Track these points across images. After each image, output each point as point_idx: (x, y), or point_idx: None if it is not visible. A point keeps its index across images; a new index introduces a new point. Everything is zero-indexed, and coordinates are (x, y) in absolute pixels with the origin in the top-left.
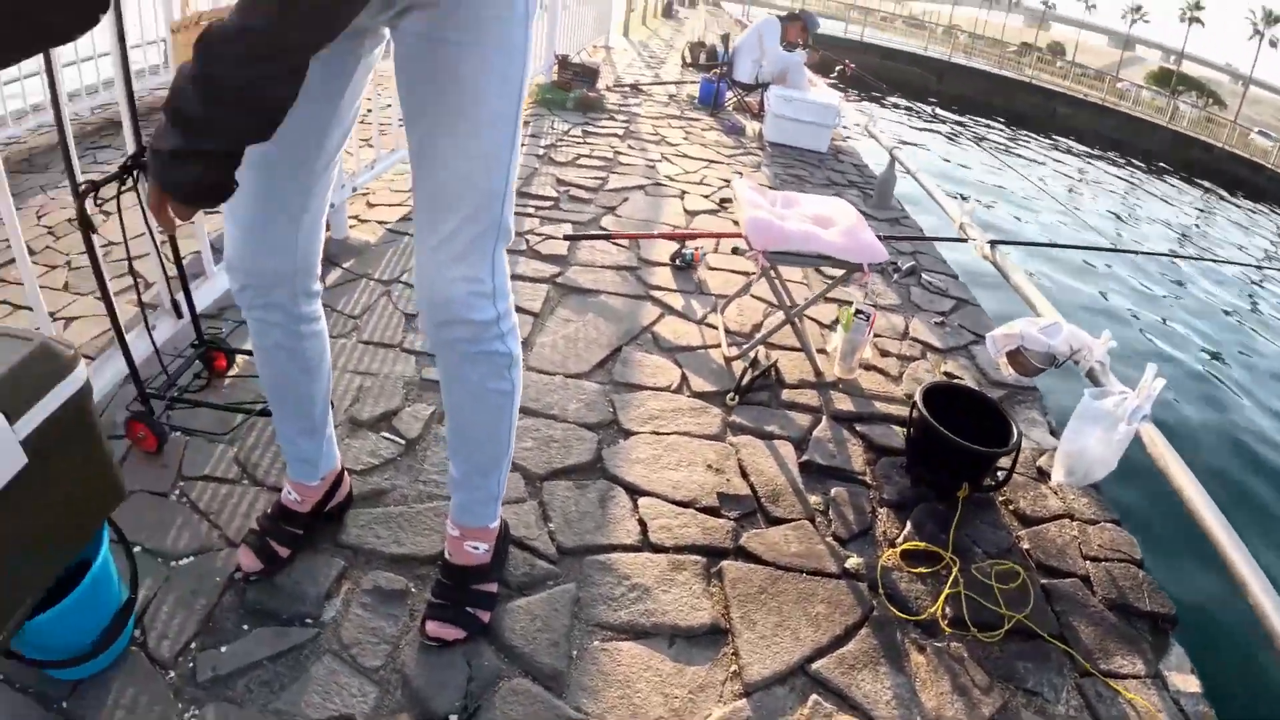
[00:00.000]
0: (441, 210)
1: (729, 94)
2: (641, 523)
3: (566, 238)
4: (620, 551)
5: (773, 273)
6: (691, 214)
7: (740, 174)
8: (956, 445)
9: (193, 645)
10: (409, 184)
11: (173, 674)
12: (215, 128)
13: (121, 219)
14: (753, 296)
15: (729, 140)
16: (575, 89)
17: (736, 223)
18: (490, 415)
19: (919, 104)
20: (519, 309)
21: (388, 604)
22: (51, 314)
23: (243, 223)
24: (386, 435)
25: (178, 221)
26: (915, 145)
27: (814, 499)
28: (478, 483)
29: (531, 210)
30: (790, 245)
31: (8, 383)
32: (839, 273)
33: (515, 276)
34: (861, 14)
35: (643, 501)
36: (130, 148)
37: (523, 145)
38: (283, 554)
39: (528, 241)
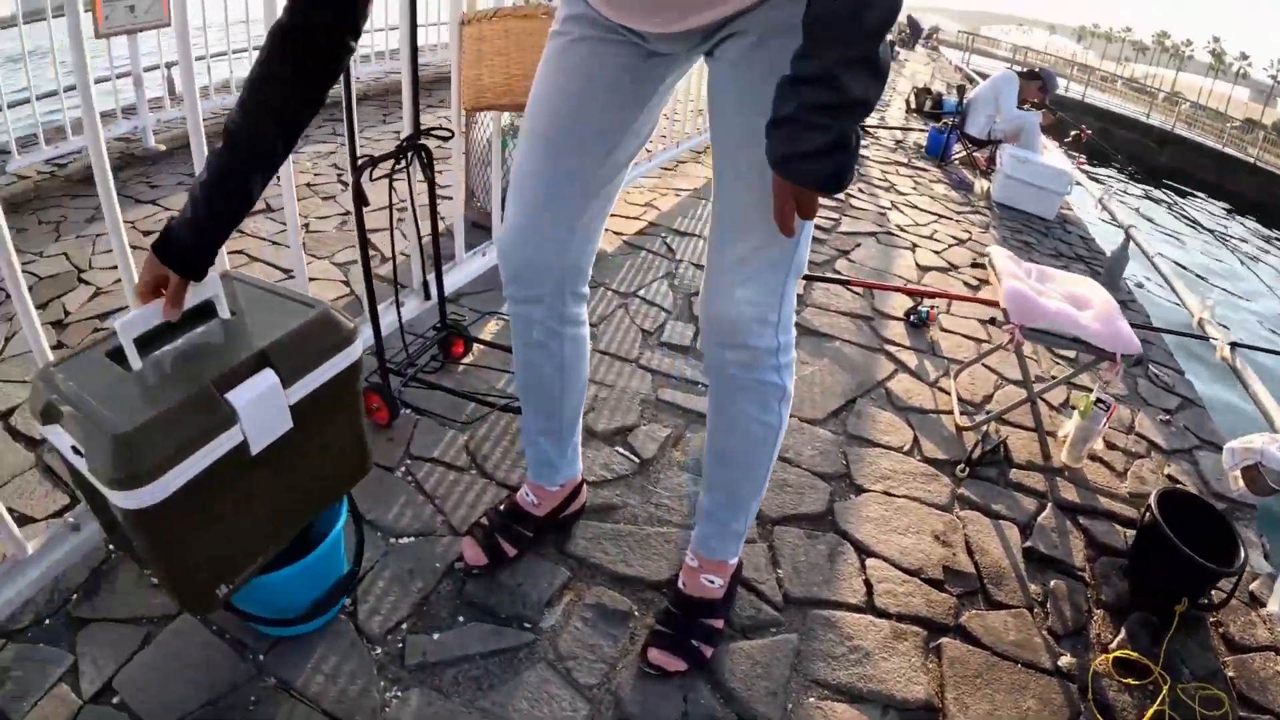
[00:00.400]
0: (739, 233)
1: (956, 146)
2: (868, 584)
3: (805, 278)
4: (845, 610)
5: (1023, 348)
6: (923, 269)
7: (969, 233)
8: (1185, 558)
9: (404, 626)
10: (645, 199)
11: (379, 651)
12: (855, 107)
13: (391, 196)
14: (984, 365)
15: (956, 195)
16: None
17: (969, 284)
18: (751, 447)
19: (1139, 176)
20: None
21: (609, 623)
22: (288, 273)
23: (522, 215)
24: (621, 451)
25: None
26: (1136, 224)
27: (1034, 588)
28: (726, 517)
29: None
30: (1046, 323)
31: (287, 347)
32: (1072, 353)
33: None
34: (1083, 72)
35: (870, 562)
36: (408, 129)
37: None
38: (509, 553)
39: None
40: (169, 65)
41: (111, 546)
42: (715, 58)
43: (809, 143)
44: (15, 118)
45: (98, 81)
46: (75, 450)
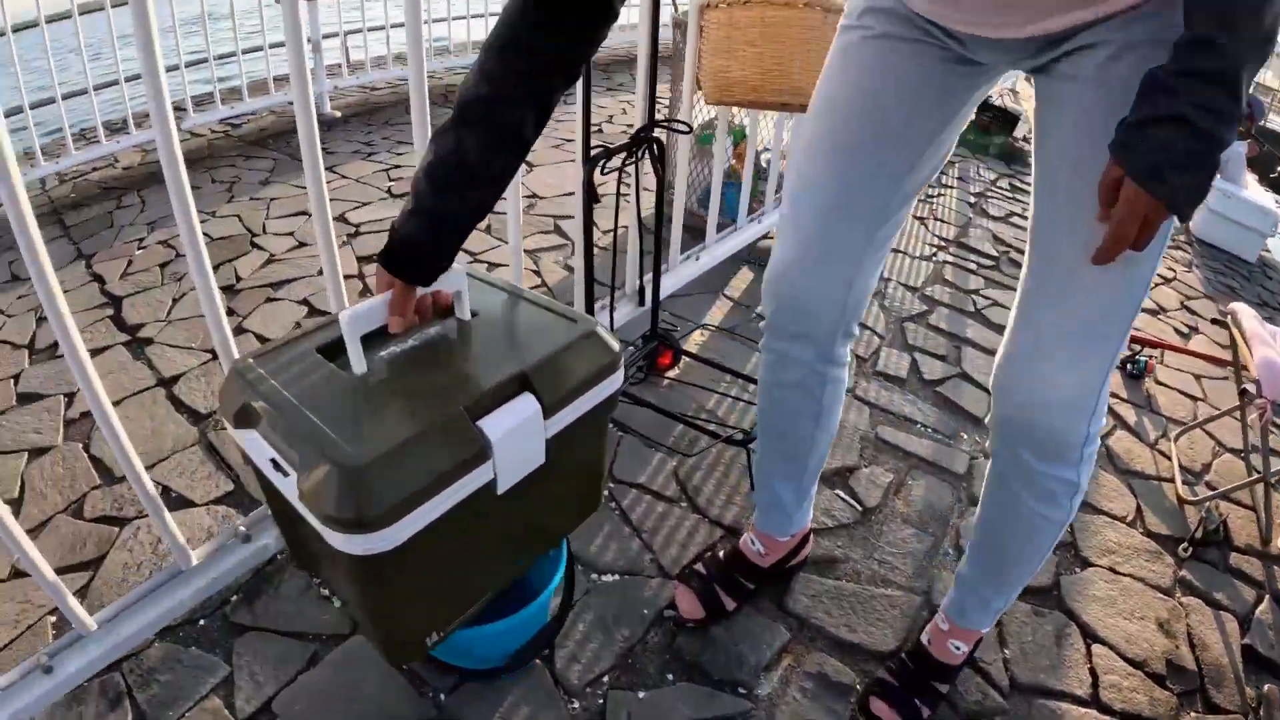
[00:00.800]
0: (1067, 297)
1: None
2: (1093, 673)
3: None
4: (1069, 702)
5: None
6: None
7: (1173, 271)
8: None
9: (605, 679)
10: None
11: (577, 705)
12: (1237, 119)
13: (619, 194)
14: (1201, 429)
15: None
16: (995, 132)
17: (1179, 331)
18: (1030, 538)
19: None
20: (969, 378)
21: (830, 695)
22: (473, 255)
23: (803, 242)
24: (842, 495)
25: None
26: None
27: (1249, 691)
28: (987, 593)
29: (974, 266)
30: None
31: (549, 370)
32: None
33: (965, 341)
34: (1263, 94)
35: (1096, 649)
36: (641, 119)
37: (952, 189)
38: (729, 606)
39: (974, 303)
40: (347, 33)
41: (285, 557)
42: (1050, 74)
43: (1189, 151)
44: (192, 78)
45: (274, 46)
46: (276, 466)
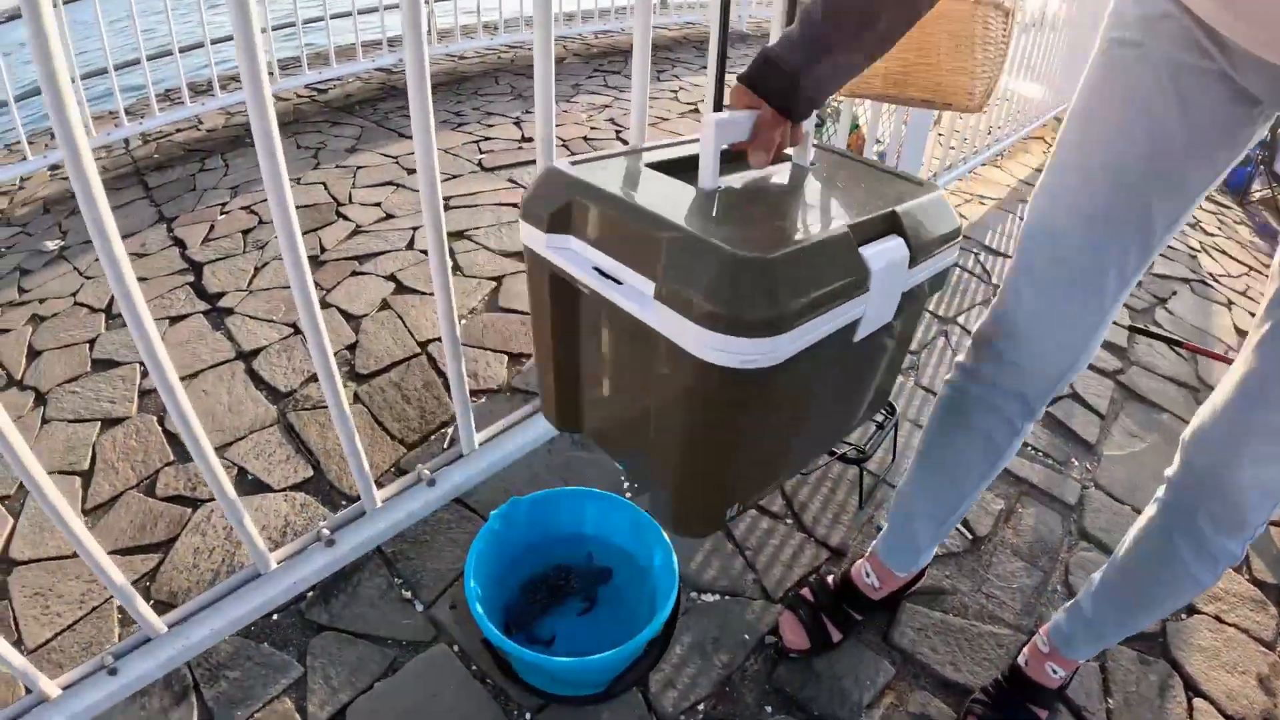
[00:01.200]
0: None
1: (1257, 184)
2: None
3: (1130, 329)
4: None
5: None
6: (1241, 334)
7: None
8: None
9: (701, 707)
10: (952, 203)
11: None
12: None
13: None
14: None
15: (1262, 244)
16: None
17: None
18: (1173, 592)
19: None
20: (1080, 399)
21: None
22: None
23: (1045, 293)
24: None
25: None
26: None
27: None
28: (1105, 629)
29: None
30: None
31: (915, 218)
32: None
33: None
34: None
35: (1198, 703)
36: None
37: None
38: (835, 638)
39: None
40: (433, 1)
41: (568, 434)
42: None
43: None
44: (278, 42)
45: (363, 12)
46: (602, 274)
